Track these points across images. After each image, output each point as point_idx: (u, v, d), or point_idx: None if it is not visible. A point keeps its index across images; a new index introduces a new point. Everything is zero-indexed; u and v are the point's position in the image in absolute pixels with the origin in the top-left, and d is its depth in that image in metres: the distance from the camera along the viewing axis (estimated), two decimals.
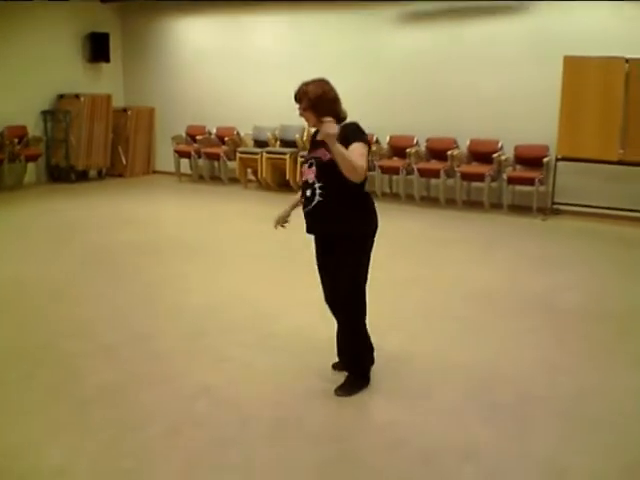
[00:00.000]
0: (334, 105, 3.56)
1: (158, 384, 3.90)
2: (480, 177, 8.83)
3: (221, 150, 10.91)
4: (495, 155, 8.87)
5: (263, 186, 10.50)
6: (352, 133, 3.51)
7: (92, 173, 11.56)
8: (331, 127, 3.32)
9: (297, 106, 3.62)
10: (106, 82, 11.91)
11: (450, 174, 9.09)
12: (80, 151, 11.15)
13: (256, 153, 10.29)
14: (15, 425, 3.44)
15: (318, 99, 3.53)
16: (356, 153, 3.41)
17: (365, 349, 3.86)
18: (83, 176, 11.32)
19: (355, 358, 3.86)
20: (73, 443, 3.27)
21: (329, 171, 3.50)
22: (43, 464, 3.09)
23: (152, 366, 4.14)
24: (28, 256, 6.66)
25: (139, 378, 3.97)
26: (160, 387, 3.86)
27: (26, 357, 4.26)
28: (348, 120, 3.64)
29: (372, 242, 3.71)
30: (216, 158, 11.04)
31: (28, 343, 4.48)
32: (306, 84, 3.59)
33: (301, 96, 3.58)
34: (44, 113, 11.14)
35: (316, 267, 3.84)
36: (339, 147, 3.35)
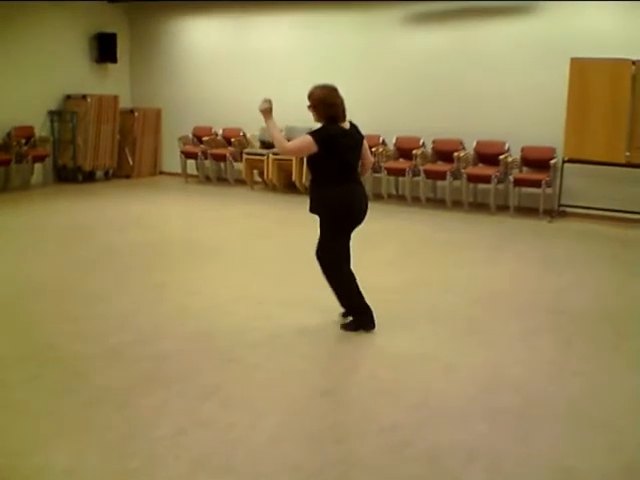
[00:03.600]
0: (331, 109, 4.40)
1: (165, 385, 3.91)
2: (487, 179, 8.82)
3: (227, 151, 10.93)
4: (502, 157, 8.86)
5: (269, 187, 10.51)
6: (313, 131, 4.39)
7: (99, 174, 11.59)
8: (262, 104, 4.40)
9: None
10: (113, 83, 11.95)
11: (456, 176, 9.08)
12: (87, 152, 11.19)
13: (262, 154, 10.30)
14: (22, 426, 3.45)
15: (319, 102, 4.41)
16: (297, 138, 4.45)
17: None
18: (90, 177, 11.35)
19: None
20: (80, 444, 3.27)
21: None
22: (50, 465, 3.09)
23: (159, 367, 4.15)
24: (34, 256, 6.68)
25: (146, 379, 3.98)
26: (167, 388, 3.87)
27: (32, 358, 4.27)
28: (353, 123, 4.54)
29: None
30: (222, 159, 11.06)
31: (34, 344, 4.49)
32: (316, 87, 4.46)
33: (309, 96, 4.46)
34: (51, 114, 11.18)
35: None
36: (270, 123, 4.41)
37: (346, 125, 4.47)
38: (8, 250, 6.97)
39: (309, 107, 4.45)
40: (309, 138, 4.33)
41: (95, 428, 3.43)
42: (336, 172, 4.41)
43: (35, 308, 5.23)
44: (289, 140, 4.54)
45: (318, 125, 4.44)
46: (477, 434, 3.38)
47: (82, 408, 3.63)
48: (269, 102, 4.44)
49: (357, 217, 4.57)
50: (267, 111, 4.43)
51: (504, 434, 3.41)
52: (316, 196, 4.52)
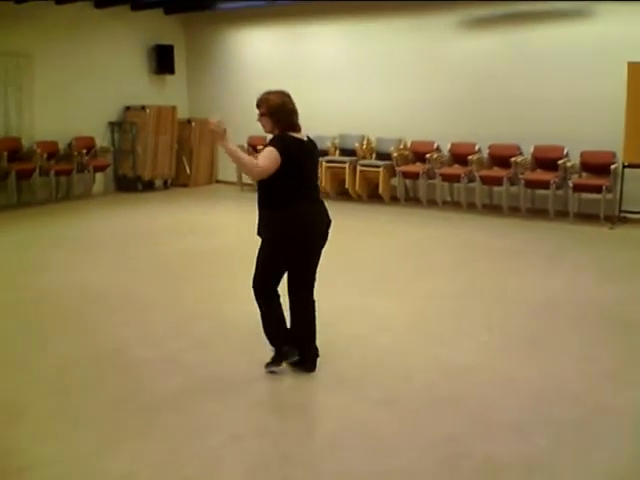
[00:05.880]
0: (291, 116, 3.88)
1: (222, 391, 3.95)
2: (545, 184, 8.65)
3: None
4: (560, 162, 8.67)
5: (322, 195, 10.50)
6: (271, 141, 3.85)
7: (158, 183, 11.82)
8: (215, 126, 3.76)
9: (257, 112, 3.94)
10: (171, 94, 12.18)
11: (514, 181, 8.93)
12: (146, 162, 11.43)
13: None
14: (81, 431, 3.53)
15: (277, 108, 3.84)
16: (262, 154, 3.79)
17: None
18: (149, 186, 11.59)
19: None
20: (138, 449, 3.33)
21: None
22: (108, 469, 3.16)
23: (217, 373, 4.19)
24: (95, 264, 6.85)
25: (204, 385, 4.03)
26: (225, 394, 3.91)
27: (93, 363, 4.37)
28: (310, 138, 4.05)
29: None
30: None
31: (95, 350, 4.60)
32: (268, 93, 3.90)
33: (262, 103, 3.88)
34: (111, 124, 11.46)
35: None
36: (230, 146, 3.79)
37: (303, 137, 3.97)
38: (71, 257, 7.15)
39: (261, 116, 3.91)
40: (273, 149, 3.77)
41: (153, 433, 3.48)
42: (294, 189, 3.84)
43: (95, 314, 5.35)
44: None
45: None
46: (536, 447, 3.31)
47: (140, 413, 3.69)
48: (222, 124, 3.82)
49: (317, 242, 4.02)
50: (222, 135, 3.82)
51: (564, 447, 3.32)
52: (268, 217, 3.91)
